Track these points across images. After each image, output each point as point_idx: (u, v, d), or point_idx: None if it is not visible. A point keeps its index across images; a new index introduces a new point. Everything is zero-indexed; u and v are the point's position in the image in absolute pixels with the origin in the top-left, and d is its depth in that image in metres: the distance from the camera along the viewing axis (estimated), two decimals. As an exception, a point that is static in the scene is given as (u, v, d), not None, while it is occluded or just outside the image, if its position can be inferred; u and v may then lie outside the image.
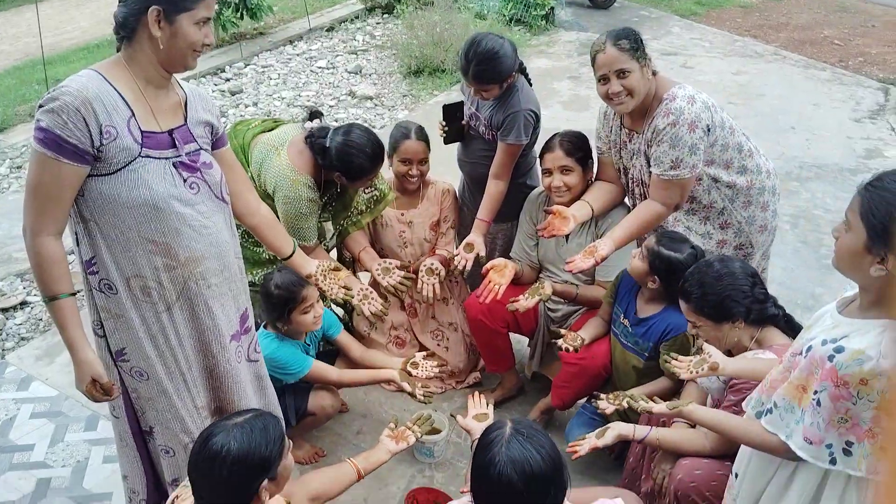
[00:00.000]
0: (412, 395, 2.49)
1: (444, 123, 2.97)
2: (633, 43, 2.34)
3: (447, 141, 3.03)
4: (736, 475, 1.87)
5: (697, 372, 2.04)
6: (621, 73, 2.34)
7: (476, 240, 2.83)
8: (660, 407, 2.07)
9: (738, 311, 2.08)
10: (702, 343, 2.14)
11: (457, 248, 2.97)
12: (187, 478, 1.73)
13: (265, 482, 1.64)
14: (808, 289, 3.76)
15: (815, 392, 1.54)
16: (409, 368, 2.67)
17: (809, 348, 1.57)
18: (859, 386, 1.46)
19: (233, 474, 1.60)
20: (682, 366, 2.09)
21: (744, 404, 1.84)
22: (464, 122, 2.98)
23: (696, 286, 2.12)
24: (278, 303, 2.52)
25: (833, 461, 1.55)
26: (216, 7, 6.60)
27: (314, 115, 2.69)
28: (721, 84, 6.28)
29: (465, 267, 2.79)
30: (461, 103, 2.99)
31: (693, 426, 2.14)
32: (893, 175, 1.47)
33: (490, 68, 2.63)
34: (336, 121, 5.71)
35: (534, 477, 1.51)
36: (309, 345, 2.75)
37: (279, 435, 1.69)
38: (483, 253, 2.82)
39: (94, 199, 1.79)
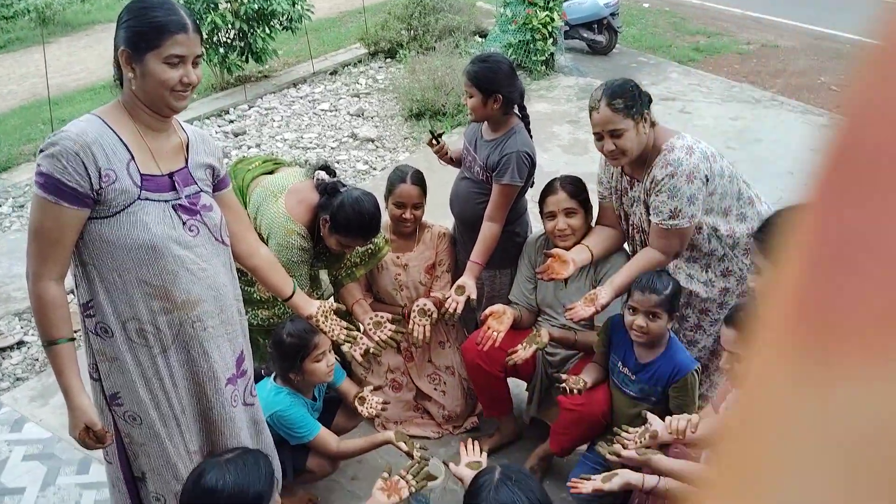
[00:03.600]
0: (409, 454, 2.44)
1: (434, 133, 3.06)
2: (628, 101, 2.36)
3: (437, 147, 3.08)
4: None
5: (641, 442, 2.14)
6: (614, 133, 2.37)
7: (467, 282, 2.80)
8: (629, 453, 2.08)
9: None
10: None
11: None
12: None
13: None
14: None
15: None
16: (356, 404, 2.66)
17: None
18: None
19: None
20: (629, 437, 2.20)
21: None
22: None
23: None
24: (290, 351, 2.48)
25: None
26: (221, 51, 6.75)
27: (326, 169, 2.72)
28: (718, 129, 6.34)
29: (455, 310, 2.77)
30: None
31: None
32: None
33: (481, 70, 2.78)
34: (337, 162, 5.76)
35: None
36: (316, 398, 2.71)
37: (270, 471, 1.71)
38: (474, 296, 2.79)
39: (94, 242, 1.80)
